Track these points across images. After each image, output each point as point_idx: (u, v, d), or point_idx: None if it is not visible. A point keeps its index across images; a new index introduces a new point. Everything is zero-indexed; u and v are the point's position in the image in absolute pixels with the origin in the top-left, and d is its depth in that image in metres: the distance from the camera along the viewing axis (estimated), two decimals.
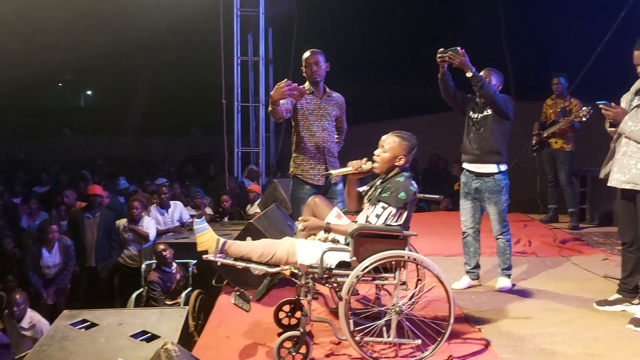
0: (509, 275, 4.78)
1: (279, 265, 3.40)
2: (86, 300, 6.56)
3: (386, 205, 3.37)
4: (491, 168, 4.58)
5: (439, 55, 4.43)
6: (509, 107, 4.57)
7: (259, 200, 7.44)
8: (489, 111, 4.58)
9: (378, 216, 3.36)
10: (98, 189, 7.27)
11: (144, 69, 19.13)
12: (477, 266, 4.88)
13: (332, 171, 3.78)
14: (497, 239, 4.75)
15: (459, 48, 4.38)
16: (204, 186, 9.89)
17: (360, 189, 3.71)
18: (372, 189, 3.60)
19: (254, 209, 7.69)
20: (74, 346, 3.82)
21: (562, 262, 5.61)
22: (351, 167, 3.57)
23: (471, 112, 4.70)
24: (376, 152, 3.57)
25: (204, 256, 3.46)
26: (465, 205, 4.78)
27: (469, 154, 4.68)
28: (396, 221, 3.39)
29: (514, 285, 4.80)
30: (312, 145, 4.44)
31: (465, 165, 4.74)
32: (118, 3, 11.14)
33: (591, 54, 9.42)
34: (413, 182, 3.48)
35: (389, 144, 3.52)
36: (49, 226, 6.46)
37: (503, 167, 4.61)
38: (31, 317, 5.60)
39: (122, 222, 7.01)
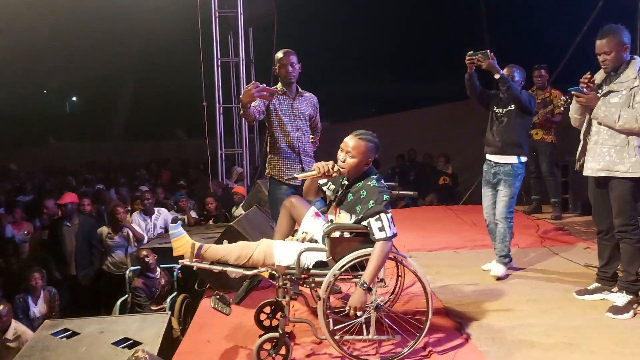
0: (505, 263, 4.91)
1: (256, 268, 3.40)
2: (71, 309, 6.49)
3: (379, 216, 3.26)
4: (512, 159, 4.85)
5: (468, 57, 4.73)
6: (532, 103, 4.87)
7: (244, 202, 7.43)
8: (513, 106, 4.85)
9: (382, 229, 3.24)
10: (68, 197, 7.17)
11: (127, 74, 19.05)
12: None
13: (296, 175, 3.74)
14: (498, 223, 4.88)
15: (488, 51, 4.67)
16: (188, 190, 9.86)
17: (320, 182, 3.68)
18: (340, 193, 3.53)
19: (239, 211, 7.67)
20: (54, 356, 3.80)
21: (544, 253, 5.65)
22: (316, 170, 3.48)
23: (495, 107, 4.98)
24: (340, 156, 3.43)
25: (180, 261, 3.45)
26: (486, 193, 5.04)
27: (492, 145, 4.96)
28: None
29: (507, 275, 4.91)
30: (287, 146, 4.44)
31: (487, 156, 5.02)
32: (99, 10, 11.10)
33: (571, 44, 9.47)
34: (382, 180, 3.48)
35: (356, 149, 3.37)
36: (31, 274, 6.10)
37: (523, 159, 4.89)
38: (15, 327, 5.55)
39: (104, 229, 6.96)
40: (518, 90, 4.78)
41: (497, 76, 4.70)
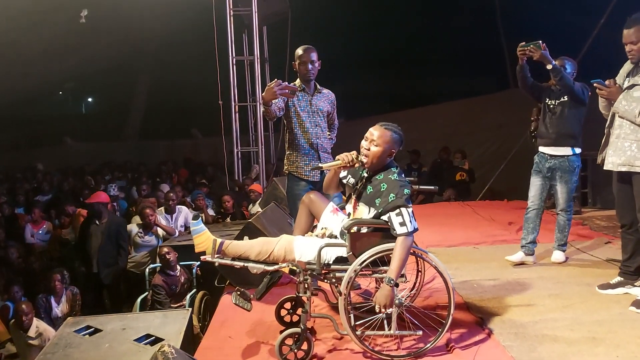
0: (564, 250, 5.15)
1: (277, 263, 3.40)
2: (91, 306, 6.55)
3: (400, 210, 3.25)
4: (567, 151, 4.91)
5: (520, 48, 4.74)
6: (585, 94, 4.86)
7: (260, 199, 7.45)
8: (565, 98, 4.88)
9: (403, 224, 3.23)
10: (96, 197, 7.24)
11: (143, 73, 19.14)
12: (533, 242, 5.12)
13: (321, 164, 3.76)
14: (558, 214, 5.06)
15: (540, 42, 4.66)
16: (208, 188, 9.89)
17: (341, 175, 3.68)
18: (360, 185, 3.53)
19: (255, 208, 7.69)
20: (77, 353, 3.82)
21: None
22: (340, 160, 3.50)
23: (547, 99, 5.02)
24: (364, 145, 3.42)
25: (202, 257, 3.46)
26: (535, 182, 5.08)
27: (545, 137, 5.00)
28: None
29: (567, 258, 5.15)
30: (305, 142, 4.45)
31: (541, 148, 5.06)
32: (114, 10, 11.16)
33: (588, 37, 9.37)
34: (403, 174, 3.46)
35: (381, 138, 3.37)
36: (51, 275, 6.20)
37: (578, 150, 4.93)
38: (37, 326, 5.63)
39: (134, 227, 7.02)
40: (571, 81, 4.79)
41: (549, 67, 4.68)
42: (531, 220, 5.08)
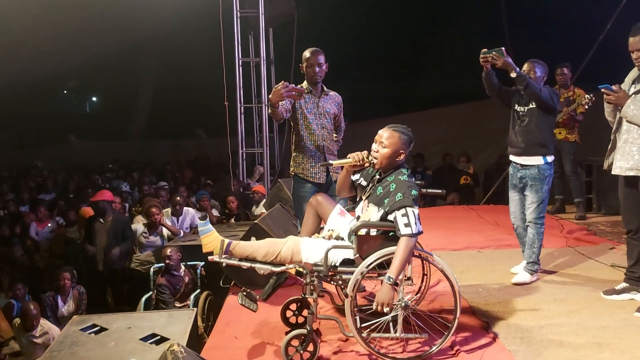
0: (533, 271, 4.71)
1: (283, 264, 3.41)
2: (96, 305, 6.56)
3: (406, 211, 3.26)
4: (537, 160, 4.64)
5: (482, 55, 4.53)
6: (554, 100, 4.64)
7: (264, 200, 7.46)
8: (534, 104, 4.63)
9: (407, 224, 3.23)
10: (101, 195, 7.25)
11: (148, 73, 19.18)
12: None
13: (331, 161, 3.78)
14: (528, 226, 4.70)
15: (502, 48, 4.47)
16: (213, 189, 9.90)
17: (353, 178, 3.70)
18: (371, 187, 3.56)
19: (259, 209, 7.71)
20: (83, 351, 3.84)
21: (569, 253, 5.59)
22: (351, 159, 3.53)
23: (517, 105, 4.77)
24: (374, 147, 3.46)
25: (210, 257, 3.48)
26: (513, 197, 4.85)
27: (515, 146, 4.75)
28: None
29: (537, 279, 4.75)
30: (311, 144, 4.46)
31: (511, 157, 4.82)
32: (119, 8, 11.19)
33: (594, 42, 9.36)
34: (412, 177, 3.48)
35: (389, 139, 3.41)
36: (61, 273, 6.14)
37: (550, 159, 4.67)
38: (42, 324, 5.64)
39: (140, 227, 7.04)
40: (537, 88, 4.53)
41: (513, 75, 4.47)
42: (522, 235, 4.84)
